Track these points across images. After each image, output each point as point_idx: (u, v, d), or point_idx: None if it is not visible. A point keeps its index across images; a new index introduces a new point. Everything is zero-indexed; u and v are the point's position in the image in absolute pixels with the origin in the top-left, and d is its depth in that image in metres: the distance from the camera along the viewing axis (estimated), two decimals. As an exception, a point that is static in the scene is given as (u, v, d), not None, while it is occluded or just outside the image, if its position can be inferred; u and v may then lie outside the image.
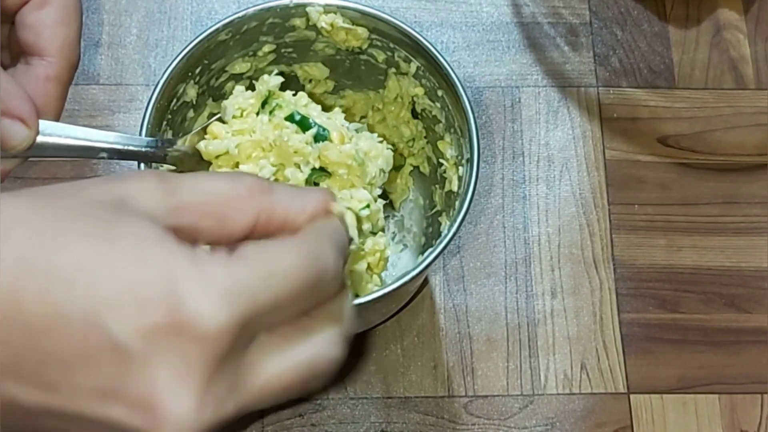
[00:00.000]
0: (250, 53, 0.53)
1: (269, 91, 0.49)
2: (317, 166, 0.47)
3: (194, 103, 0.52)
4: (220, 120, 0.49)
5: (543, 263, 0.62)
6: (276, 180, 0.48)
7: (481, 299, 0.62)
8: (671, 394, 0.60)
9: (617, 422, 0.59)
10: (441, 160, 0.54)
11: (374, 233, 0.53)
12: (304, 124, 0.47)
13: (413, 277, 0.46)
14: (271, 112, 0.49)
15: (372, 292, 0.46)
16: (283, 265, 0.28)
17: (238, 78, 0.54)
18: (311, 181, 0.48)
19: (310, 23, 0.51)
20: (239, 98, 0.49)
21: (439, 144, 0.54)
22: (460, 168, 0.51)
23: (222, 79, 0.53)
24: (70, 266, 0.26)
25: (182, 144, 0.48)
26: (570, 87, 0.68)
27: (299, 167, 0.48)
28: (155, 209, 0.28)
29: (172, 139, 0.49)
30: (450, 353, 0.60)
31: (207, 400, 0.26)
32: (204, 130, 0.49)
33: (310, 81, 0.57)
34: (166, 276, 0.26)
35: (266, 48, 0.53)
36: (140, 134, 0.47)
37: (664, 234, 0.64)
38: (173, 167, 0.48)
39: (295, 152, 0.47)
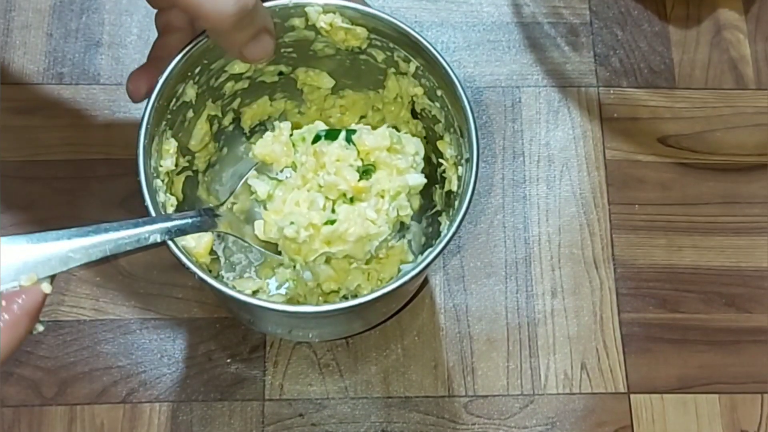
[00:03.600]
0: (250, 53, 0.53)
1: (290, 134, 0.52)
2: (360, 165, 0.50)
3: (194, 103, 0.52)
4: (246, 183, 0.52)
5: (543, 263, 0.63)
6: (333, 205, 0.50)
7: (481, 299, 0.62)
8: (671, 393, 0.60)
9: (617, 422, 0.59)
10: (441, 160, 0.54)
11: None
12: (331, 134, 0.51)
13: (413, 277, 0.46)
14: (294, 148, 0.52)
15: (372, 291, 0.46)
16: None
17: (237, 78, 0.54)
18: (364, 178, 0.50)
19: (310, 23, 0.51)
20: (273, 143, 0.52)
21: (439, 144, 0.54)
22: (460, 168, 0.51)
23: (221, 79, 0.53)
24: None
25: (224, 209, 0.50)
26: (570, 87, 0.68)
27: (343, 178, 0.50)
28: None
29: (214, 207, 0.50)
30: (450, 353, 0.60)
31: None
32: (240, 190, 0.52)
33: (307, 85, 0.57)
34: None
35: (266, 48, 0.53)
36: (140, 134, 0.47)
37: (664, 234, 0.64)
38: (224, 231, 0.49)
39: (337, 160, 0.49)
